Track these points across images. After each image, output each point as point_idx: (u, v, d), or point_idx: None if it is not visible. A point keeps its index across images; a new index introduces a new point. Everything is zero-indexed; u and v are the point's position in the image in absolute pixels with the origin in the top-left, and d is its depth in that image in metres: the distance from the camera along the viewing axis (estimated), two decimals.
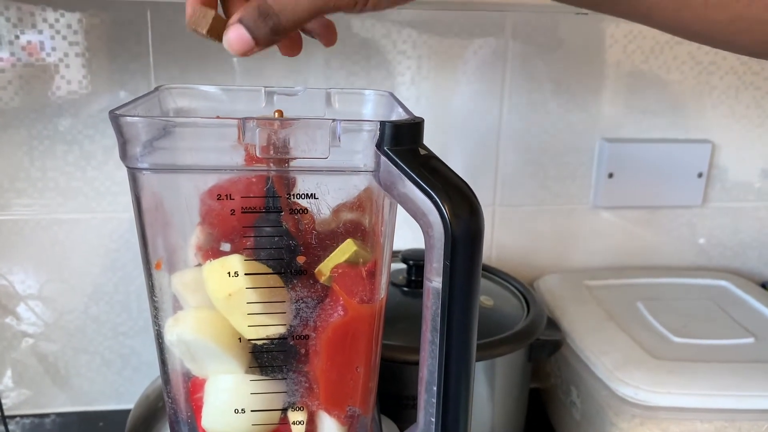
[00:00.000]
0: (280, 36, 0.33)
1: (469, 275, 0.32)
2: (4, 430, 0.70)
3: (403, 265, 0.67)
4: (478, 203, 0.33)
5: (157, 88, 0.41)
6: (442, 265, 0.32)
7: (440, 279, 0.32)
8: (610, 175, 0.79)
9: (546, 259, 0.82)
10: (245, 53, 0.33)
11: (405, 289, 0.66)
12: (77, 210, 0.71)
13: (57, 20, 0.65)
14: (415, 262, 0.66)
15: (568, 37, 0.74)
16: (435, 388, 0.33)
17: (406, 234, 0.76)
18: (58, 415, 0.76)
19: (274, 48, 0.72)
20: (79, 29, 0.66)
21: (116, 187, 0.71)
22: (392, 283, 0.66)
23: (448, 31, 0.72)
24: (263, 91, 0.44)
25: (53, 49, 0.66)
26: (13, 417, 0.75)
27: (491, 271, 0.73)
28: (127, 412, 0.62)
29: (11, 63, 0.66)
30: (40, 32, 0.66)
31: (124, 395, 0.77)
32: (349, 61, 0.71)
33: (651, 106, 0.78)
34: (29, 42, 0.66)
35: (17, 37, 0.65)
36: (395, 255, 0.68)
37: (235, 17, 0.33)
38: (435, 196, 0.32)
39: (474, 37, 0.72)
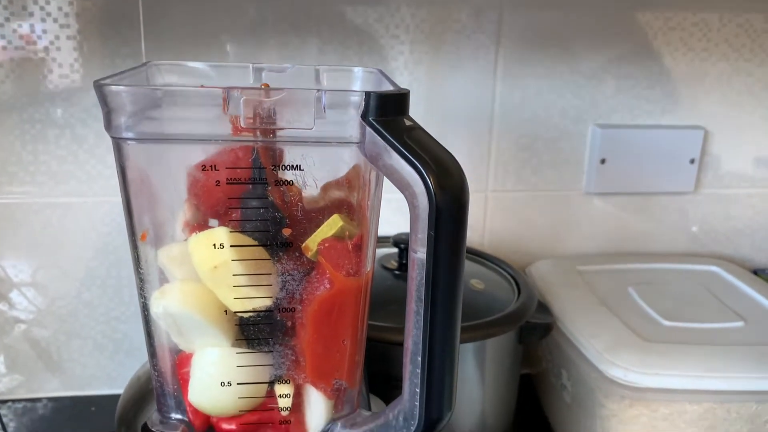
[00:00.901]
0: None
1: (454, 245, 0.33)
2: None
3: (395, 249, 0.68)
4: (463, 174, 0.33)
5: (145, 63, 0.41)
6: (426, 236, 0.32)
7: (425, 250, 0.33)
8: (603, 161, 0.79)
9: (538, 245, 0.82)
10: None
11: (396, 272, 0.66)
12: (69, 194, 0.71)
13: (48, 2, 0.65)
14: (406, 246, 0.66)
15: (560, 24, 0.74)
16: (419, 359, 0.34)
17: (399, 220, 0.76)
18: (51, 399, 0.76)
19: (267, 32, 0.72)
20: (70, 12, 0.66)
21: (108, 171, 0.71)
22: (383, 267, 0.66)
23: (440, 16, 0.72)
24: (251, 67, 0.44)
25: (44, 32, 0.66)
26: (5, 401, 0.75)
27: (482, 256, 0.73)
28: (118, 396, 0.61)
29: (1, 46, 0.66)
30: (31, 15, 0.65)
31: (117, 380, 0.77)
32: (342, 46, 0.71)
33: (643, 92, 0.78)
34: (20, 25, 0.66)
35: (7, 19, 0.65)
36: (386, 240, 0.68)
37: None
38: (420, 167, 0.32)
39: (468, 21, 0.72)
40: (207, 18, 0.68)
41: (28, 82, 0.67)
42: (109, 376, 0.77)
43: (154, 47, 0.68)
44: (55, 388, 0.77)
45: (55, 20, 0.66)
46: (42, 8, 0.65)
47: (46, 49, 0.67)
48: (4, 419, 0.72)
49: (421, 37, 0.72)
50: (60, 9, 0.66)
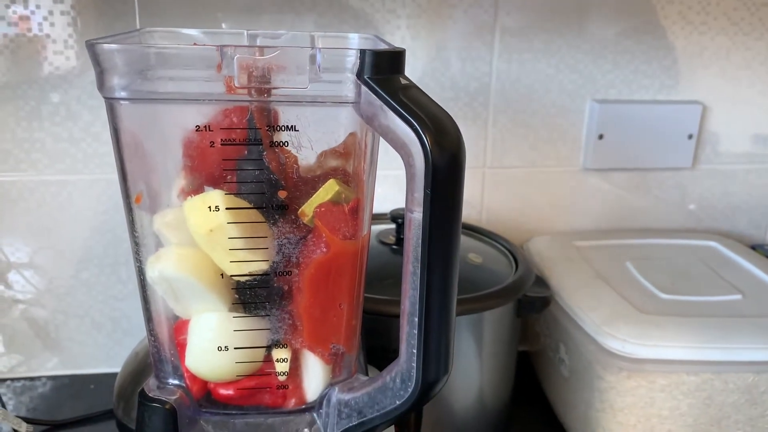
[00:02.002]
0: None
1: (451, 204, 0.32)
2: None
3: (392, 225, 0.67)
4: (459, 132, 0.32)
5: (138, 29, 0.41)
6: (422, 195, 0.32)
7: (421, 209, 0.32)
8: (600, 137, 0.78)
9: (536, 222, 0.82)
10: None
11: (394, 247, 0.66)
12: (64, 172, 0.71)
13: None
14: (403, 221, 0.66)
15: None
16: (416, 320, 0.33)
17: (396, 196, 0.76)
18: (50, 378, 0.77)
19: (263, 8, 0.71)
20: None
21: (104, 148, 0.71)
22: (381, 242, 0.66)
23: None
24: (246, 34, 0.43)
25: (37, 7, 0.66)
26: (4, 380, 0.75)
27: (480, 231, 0.72)
28: (117, 374, 0.62)
29: None
30: None
31: (115, 358, 0.77)
32: (338, 20, 0.71)
33: (641, 66, 0.78)
34: (12, 0, 0.65)
35: None
36: (384, 216, 0.68)
37: None
38: (416, 125, 0.32)
39: None
40: None
41: (22, 59, 0.67)
42: (108, 354, 0.77)
43: (149, 23, 0.67)
44: (54, 366, 0.77)
45: None
46: None
47: (39, 25, 0.66)
48: (4, 398, 0.72)
49: (418, 11, 0.72)
50: None
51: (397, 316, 0.56)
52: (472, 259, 0.65)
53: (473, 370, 0.63)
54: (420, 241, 0.32)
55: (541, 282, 0.67)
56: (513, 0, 0.73)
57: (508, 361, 0.67)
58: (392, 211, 0.67)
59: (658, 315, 0.62)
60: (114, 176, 0.73)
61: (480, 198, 0.80)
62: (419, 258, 0.33)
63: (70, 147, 0.70)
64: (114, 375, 0.63)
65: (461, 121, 0.77)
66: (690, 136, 0.80)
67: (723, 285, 0.68)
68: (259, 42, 0.43)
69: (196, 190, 0.37)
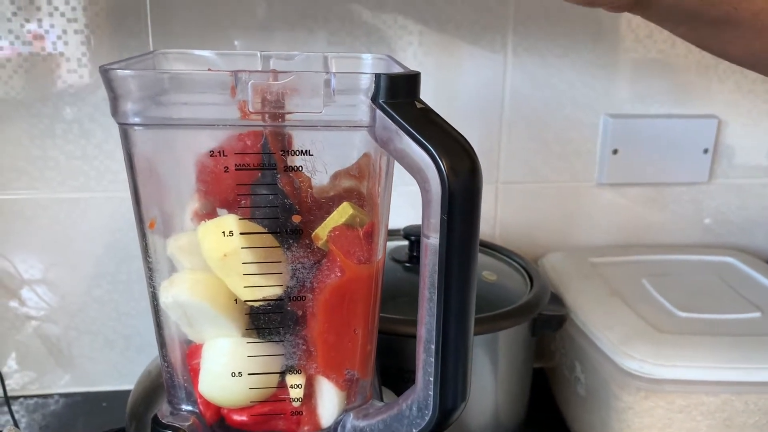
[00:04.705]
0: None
1: (468, 230, 0.32)
2: (8, 411, 0.70)
3: (405, 242, 0.67)
4: (476, 157, 0.32)
5: (152, 52, 0.41)
6: (439, 221, 0.32)
7: (437, 235, 0.32)
8: (615, 152, 0.78)
9: (550, 237, 0.81)
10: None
11: (407, 264, 0.65)
12: (78, 189, 0.71)
13: None
14: (416, 238, 0.65)
15: (572, 12, 0.73)
16: (433, 347, 0.33)
17: (409, 212, 0.76)
18: (62, 395, 0.76)
19: (275, 25, 0.71)
20: (77, 6, 0.66)
21: (117, 166, 0.71)
22: (393, 259, 0.66)
23: (450, 5, 0.71)
24: (259, 55, 0.43)
25: (52, 26, 0.66)
26: (17, 398, 0.75)
27: (494, 248, 0.72)
28: (129, 392, 0.61)
29: (9, 41, 0.66)
30: (39, 9, 0.65)
31: (128, 375, 0.77)
32: (350, 36, 0.70)
33: (656, 81, 0.77)
34: (27, 20, 0.65)
35: (15, 14, 0.65)
36: (397, 232, 0.68)
37: None
38: (432, 150, 0.31)
39: (477, 11, 0.72)
40: (214, 11, 0.68)
41: (36, 78, 0.67)
42: (120, 372, 0.77)
43: (162, 41, 0.67)
44: (66, 383, 0.77)
45: (63, 14, 0.66)
46: (49, 2, 0.65)
47: (53, 43, 0.66)
48: (16, 415, 0.72)
49: (430, 28, 0.72)
50: (67, 3, 0.65)
51: (412, 336, 0.56)
52: (486, 276, 0.64)
53: (488, 389, 0.62)
54: (436, 267, 0.32)
55: (556, 300, 0.66)
56: (525, 15, 0.72)
57: (523, 379, 0.66)
58: (405, 228, 0.66)
59: (675, 334, 0.61)
60: (127, 194, 0.73)
61: (493, 213, 0.79)
62: (436, 285, 0.32)
63: (83, 165, 0.70)
64: (126, 392, 0.62)
65: (474, 136, 0.76)
66: (705, 151, 0.80)
67: (741, 302, 0.67)
68: (272, 63, 0.43)
69: (209, 213, 0.37)
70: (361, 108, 0.33)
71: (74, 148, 0.70)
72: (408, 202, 0.75)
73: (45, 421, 0.72)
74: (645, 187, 0.81)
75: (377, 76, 0.32)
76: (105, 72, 0.31)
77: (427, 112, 0.33)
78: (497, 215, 0.79)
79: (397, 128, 0.32)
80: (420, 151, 0.32)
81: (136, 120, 0.32)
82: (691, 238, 0.84)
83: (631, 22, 0.75)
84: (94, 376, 0.77)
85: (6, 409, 0.70)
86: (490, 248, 0.72)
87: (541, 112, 0.76)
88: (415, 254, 0.65)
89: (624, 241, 0.82)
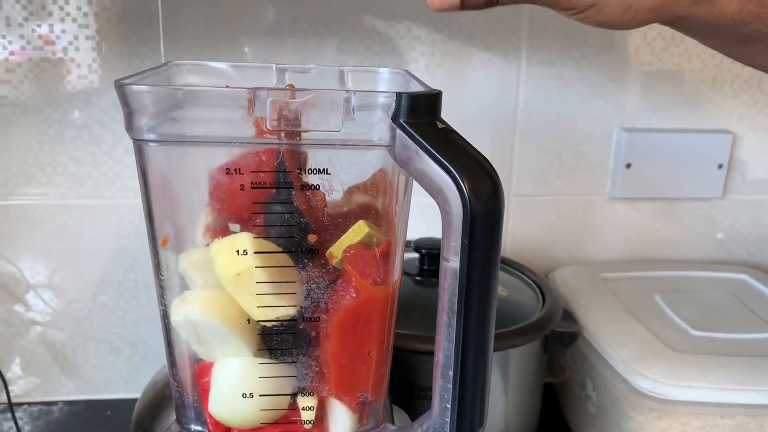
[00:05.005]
0: (488, 7, 0.35)
1: (489, 254, 0.31)
2: (11, 418, 0.70)
3: (416, 255, 0.66)
4: (498, 179, 0.31)
5: (166, 63, 0.40)
6: (459, 244, 0.31)
7: (458, 258, 0.31)
8: (628, 166, 0.77)
9: (562, 251, 0.80)
10: (442, 11, 0.34)
11: (417, 278, 0.65)
12: (86, 196, 0.70)
13: (67, 2, 0.65)
14: (427, 251, 0.64)
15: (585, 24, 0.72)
16: (451, 373, 0.32)
17: (420, 224, 0.75)
18: (66, 403, 0.76)
19: (287, 32, 0.70)
20: (89, 12, 0.65)
21: (125, 172, 0.70)
22: (405, 273, 0.65)
23: (463, 15, 0.70)
24: (275, 68, 0.42)
25: (63, 32, 0.65)
26: (20, 404, 0.75)
27: (506, 262, 0.71)
28: (135, 400, 0.61)
29: (20, 46, 0.65)
30: (50, 14, 0.65)
31: (133, 384, 0.76)
32: (362, 46, 0.70)
33: (671, 95, 0.76)
34: (38, 25, 0.65)
35: (26, 19, 0.65)
36: (407, 245, 0.67)
37: None
38: (453, 171, 0.31)
39: (490, 22, 0.71)
40: (225, 18, 0.67)
41: (46, 83, 0.67)
42: (125, 380, 0.76)
43: (173, 47, 0.67)
44: (70, 391, 0.76)
45: (74, 20, 0.65)
46: (61, 8, 0.65)
47: (64, 49, 0.66)
48: (20, 422, 0.71)
49: (443, 38, 0.71)
50: (79, 9, 0.65)
51: (423, 353, 0.55)
52: (498, 292, 0.63)
53: (498, 405, 0.61)
54: (456, 292, 0.31)
55: (568, 316, 0.65)
56: (539, 27, 0.72)
57: (534, 395, 0.65)
58: (417, 241, 0.66)
59: (689, 353, 0.60)
60: (135, 201, 0.73)
61: (505, 226, 0.78)
62: (455, 310, 0.31)
63: (92, 170, 0.70)
64: (131, 401, 0.62)
65: (486, 148, 0.75)
66: (720, 166, 0.79)
67: (756, 321, 0.66)
68: (287, 76, 0.42)
69: (221, 228, 0.36)
70: (381, 127, 0.32)
71: (83, 154, 0.69)
72: (420, 214, 0.75)
73: (48, 428, 0.71)
74: (658, 201, 0.80)
75: (398, 95, 0.32)
76: (120, 87, 0.31)
77: (449, 132, 0.32)
78: (508, 228, 0.78)
79: (418, 148, 0.31)
80: (441, 172, 0.31)
81: (151, 136, 0.32)
82: (704, 254, 0.83)
83: (646, 36, 0.74)
84: (98, 384, 0.76)
85: (9, 415, 0.69)
86: (502, 262, 0.71)
87: (554, 125, 0.76)
88: (426, 268, 0.65)
89: (636, 255, 0.81)
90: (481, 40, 0.71)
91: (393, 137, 0.32)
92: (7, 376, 0.74)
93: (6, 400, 0.70)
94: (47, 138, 0.68)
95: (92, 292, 0.74)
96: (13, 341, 0.74)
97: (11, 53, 0.65)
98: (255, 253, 0.34)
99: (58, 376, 0.76)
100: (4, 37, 0.65)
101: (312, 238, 0.35)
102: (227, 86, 0.32)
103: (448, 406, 0.32)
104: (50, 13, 0.65)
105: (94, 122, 0.68)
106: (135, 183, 0.70)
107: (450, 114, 0.80)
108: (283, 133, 0.32)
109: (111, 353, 0.76)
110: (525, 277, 0.68)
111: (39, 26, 0.65)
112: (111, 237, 0.72)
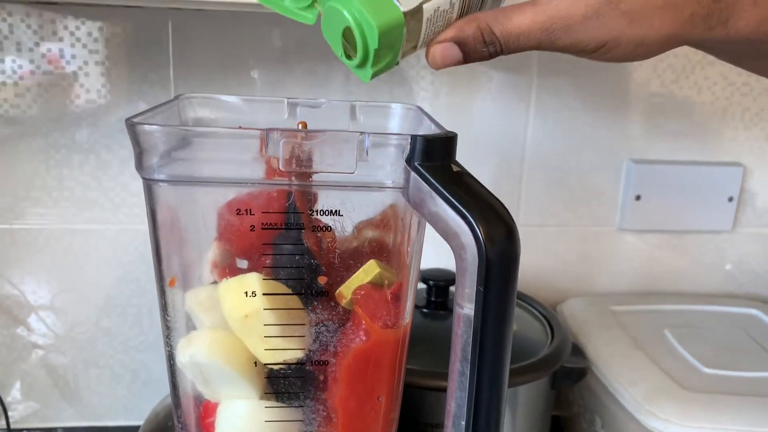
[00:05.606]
0: (493, 58, 0.33)
1: (504, 303, 0.30)
2: None
3: (423, 285, 0.65)
4: (515, 225, 0.31)
5: (176, 97, 0.40)
6: (474, 291, 0.30)
7: (472, 306, 0.30)
8: (638, 198, 0.76)
9: (570, 283, 0.79)
10: (446, 67, 0.33)
11: (425, 310, 0.64)
12: (92, 221, 0.70)
13: (78, 28, 0.65)
14: (435, 282, 0.64)
15: None
16: (463, 423, 0.31)
17: (428, 253, 0.74)
18: (66, 429, 0.75)
19: (295, 62, 0.70)
20: (99, 37, 0.65)
21: (132, 198, 0.70)
22: None
23: None
24: (286, 102, 0.42)
25: (73, 57, 0.65)
26: (19, 430, 0.74)
27: None
28: (135, 428, 0.60)
29: (30, 70, 0.65)
30: (61, 40, 0.65)
31: (133, 411, 0.75)
32: None
33: (681, 126, 0.76)
34: (49, 50, 0.65)
35: (37, 44, 0.65)
36: None
37: (448, 34, 0.32)
38: (469, 216, 0.30)
39: None
40: (235, 45, 0.67)
41: (55, 107, 0.66)
42: (126, 407, 0.75)
43: (182, 74, 0.67)
44: (70, 417, 0.75)
45: (84, 45, 0.65)
46: (72, 33, 0.65)
47: (74, 74, 0.66)
48: None
49: (454, 69, 0.70)
50: (90, 34, 0.65)
51: (428, 389, 0.54)
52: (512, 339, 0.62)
53: None
54: (470, 340, 0.30)
55: (576, 350, 0.64)
56: (548, 57, 0.71)
57: (542, 430, 0.64)
58: (424, 272, 0.65)
59: (701, 392, 0.59)
60: (140, 227, 0.72)
61: None
62: (468, 358, 0.31)
63: (99, 196, 0.69)
64: (131, 428, 0.61)
65: (494, 178, 0.75)
66: (730, 199, 0.78)
67: None
68: (299, 111, 0.42)
69: (229, 265, 0.35)
70: (394, 169, 0.32)
71: (90, 179, 0.69)
72: (427, 243, 0.74)
73: None
74: (668, 234, 0.79)
75: (413, 137, 0.31)
76: (131, 126, 0.30)
77: (463, 175, 0.31)
78: None
79: (432, 191, 0.31)
80: (456, 217, 0.30)
81: (162, 176, 0.31)
82: (714, 287, 0.81)
83: (656, 67, 0.74)
84: (99, 411, 0.75)
85: None
86: None
87: (562, 155, 0.75)
88: (434, 299, 0.64)
89: (645, 287, 0.80)
90: (491, 71, 0.71)
91: (407, 179, 0.32)
92: (7, 400, 0.73)
93: (5, 426, 0.69)
94: (54, 162, 0.68)
95: (95, 316, 0.73)
96: (14, 365, 0.73)
97: (21, 77, 0.65)
98: (264, 294, 0.33)
99: (58, 401, 0.75)
100: (14, 61, 0.65)
101: (322, 280, 0.34)
102: (240, 127, 0.31)
103: None
104: (61, 39, 0.65)
105: (102, 147, 0.68)
106: (141, 209, 0.70)
107: (459, 144, 0.79)
108: (294, 174, 0.32)
109: (112, 379, 0.75)
110: (533, 310, 0.67)
111: (49, 50, 0.65)
112: (115, 262, 0.71)
